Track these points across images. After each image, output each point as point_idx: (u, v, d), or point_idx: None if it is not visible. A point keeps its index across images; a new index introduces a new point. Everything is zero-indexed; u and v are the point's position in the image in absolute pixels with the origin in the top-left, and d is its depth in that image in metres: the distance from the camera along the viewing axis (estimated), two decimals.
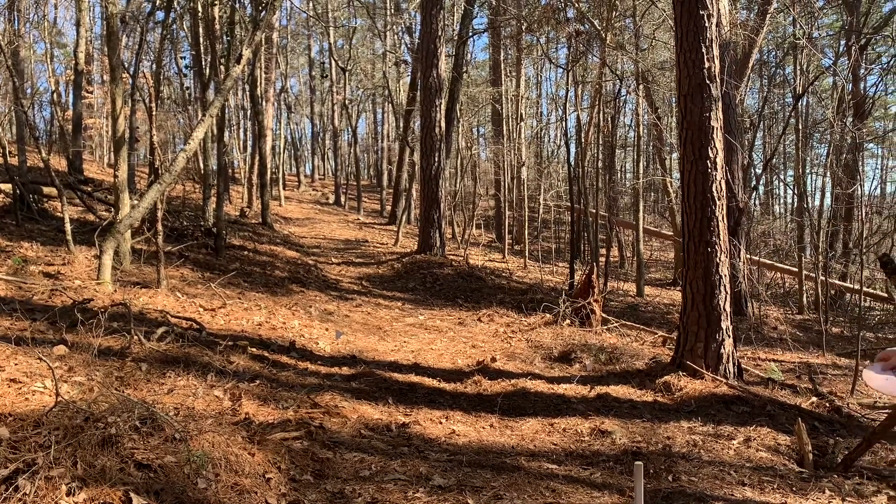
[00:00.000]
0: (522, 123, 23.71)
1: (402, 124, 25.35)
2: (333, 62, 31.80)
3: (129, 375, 5.27)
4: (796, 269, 16.40)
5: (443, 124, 16.46)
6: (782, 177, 31.10)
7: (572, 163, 16.13)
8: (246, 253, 13.55)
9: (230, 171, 30.10)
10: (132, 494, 3.26)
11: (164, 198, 9.55)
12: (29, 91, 25.81)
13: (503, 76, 24.58)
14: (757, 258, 17.42)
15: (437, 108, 16.18)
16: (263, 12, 11.83)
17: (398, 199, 25.72)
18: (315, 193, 35.33)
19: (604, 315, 10.25)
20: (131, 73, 15.99)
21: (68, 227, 9.70)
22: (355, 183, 31.85)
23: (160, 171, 9.48)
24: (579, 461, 4.91)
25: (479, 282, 14.26)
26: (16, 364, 4.97)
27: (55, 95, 22.90)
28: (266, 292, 10.46)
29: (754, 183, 16.18)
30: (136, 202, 9.57)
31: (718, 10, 11.30)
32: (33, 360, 5.03)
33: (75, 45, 17.37)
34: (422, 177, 16.41)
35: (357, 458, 4.53)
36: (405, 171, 24.92)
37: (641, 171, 18.62)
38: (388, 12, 29.17)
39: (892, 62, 17.24)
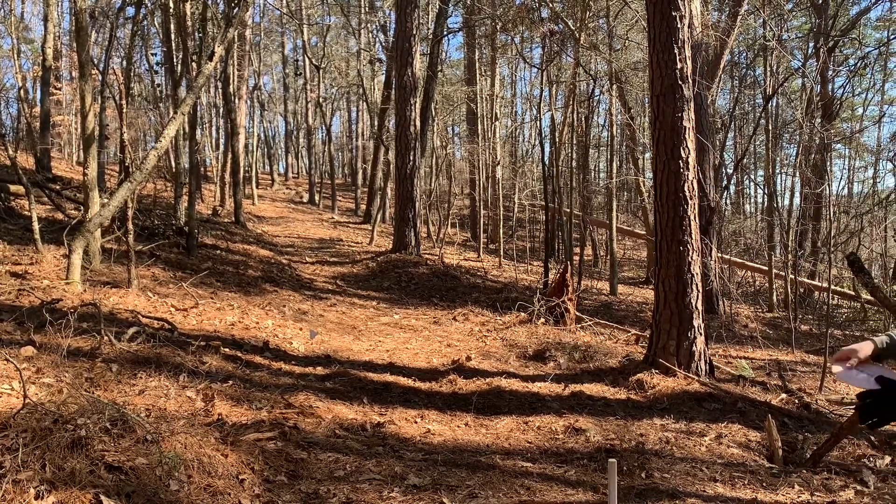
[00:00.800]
0: (497, 123, 23.73)
1: (376, 123, 25.21)
2: (307, 60, 31.63)
3: (99, 376, 5.19)
4: (766, 268, 16.66)
5: (418, 123, 16.45)
6: (753, 177, 31.55)
7: (547, 162, 16.21)
8: (218, 252, 13.41)
9: (202, 169, 29.83)
10: (102, 497, 3.21)
11: (134, 196, 9.41)
12: None
13: (478, 75, 24.63)
14: (728, 257, 17.66)
15: (412, 107, 16.19)
16: (236, 9, 11.71)
17: (373, 197, 25.62)
18: (289, 192, 35.11)
19: (578, 314, 10.32)
20: (101, 69, 15.77)
21: (36, 225, 9.52)
22: (330, 182, 31.70)
23: (131, 170, 9.36)
24: (554, 459, 4.94)
25: (454, 281, 14.27)
26: None
27: (22, 92, 22.49)
28: (239, 292, 10.33)
29: (725, 182, 16.39)
30: (106, 200, 9.43)
31: (690, 11, 11.42)
32: (0, 362, 4.93)
33: (43, 40, 17.07)
34: (397, 175, 16.39)
35: (332, 459, 4.51)
36: (380, 169, 24.75)
37: (615, 171, 18.78)
38: (363, 10, 29.10)
39: (858, 64, 17.56)
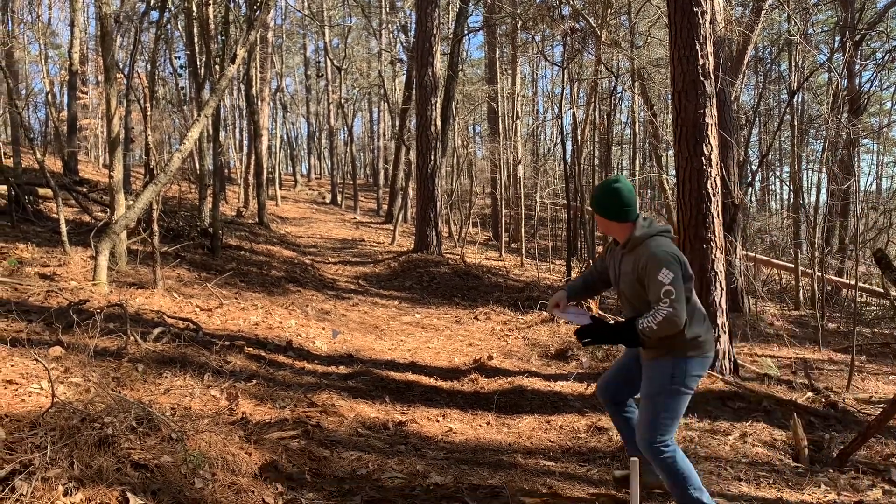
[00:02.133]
0: (518, 121, 23.57)
1: (397, 123, 25.26)
2: (329, 61, 31.80)
3: (125, 376, 5.26)
4: (793, 266, 16.44)
5: (438, 122, 16.45)
6: (778, 173, 31.15)
7: (568, 160, 16.14)
8: (242, 253, 13.50)
9: (226, 171, 30.10)
10: (129, 494, 3.26)
11: (159, 198, 9.45)
12: (24, 92, 25.76)
13: (499, 74, 24.57)
14: (753, 254, 17.46)
15: (433, 107, 16.20)
16: (258, 11, 11.80)
17: (394, 197, 25.62)
18: (311, 193, 35.33)
19: (600, 312, 10.25)
20: (126, 73, 15.95)
21: (64, 228, 9.67)
22: (351, 182, 31.90)
23: (155, 172, 9.42)
24: (576, 458, 4.92)
25: (475, 280, 14.25)
26: (12, 366, 4.95)
27: (50, 96, 22.84)
28: (263, 292, 10.33)
29: (750, 179, 16.21)
30: (131, 202, 9.51)
31: (713, 6, 11.32)
32: (29, 362, 5.02)
33: (69, 45, 17.33)
34: (418, 175, 16.41)
35: (354, 457, 4.54)
36: (401, 169, 24.61)
37: (638, 168, 18.65)
38: (384, 11, 29.16)
39: (886, 58, 17.27)
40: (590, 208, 16.44)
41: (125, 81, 15.83)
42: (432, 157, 16.01)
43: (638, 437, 3.52)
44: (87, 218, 12.67)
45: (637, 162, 19.22)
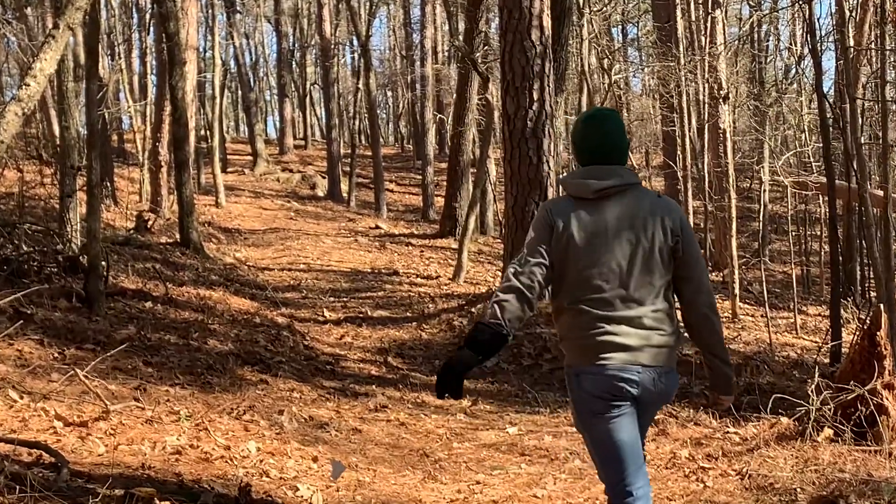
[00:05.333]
0: (719, 13, 14.52)
1: (462, 26, 16.24)
2: None
3: None
4: None
5: (548, 22, 9.97)
6: None
7: (828, 93, 10.87)
8: (149, 304, 9.54)
9: (115, 138, 20.58)
10: None
11: None
12: None
13: None
14: None
15: None
16: None
17: (458, 183, 16.96)
18: (287, 176, 24.47)
19: None
20: None
21: None
22: (370, 153, 21.21)
23: None
24: None
25: None
26: None
27: None
28: (191, 384, 7.20)
29: None
30: None
31: None
32: None
33: None
34: (507, 134, 10.15)
35: None
36: (471, 125, 16.51)
37: None
38: None
39: None
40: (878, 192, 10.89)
41: None
42: (535, 96, 9.79)
43: None
44: None
45: None
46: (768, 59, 20.43)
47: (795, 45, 18.06)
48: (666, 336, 2.87)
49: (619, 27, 23.13)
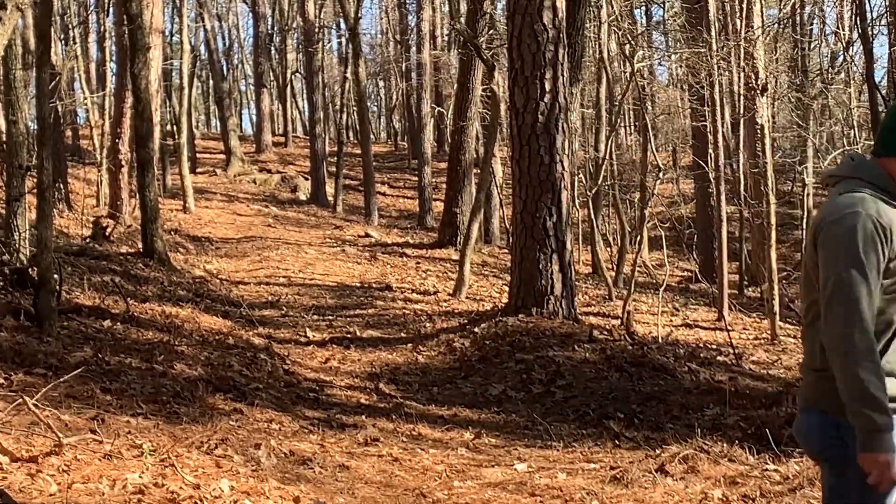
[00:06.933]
0: None
1: (463, 8, 15.44)
2: None
3: None
4: None
5: (562, 2, 9.38)
6: None
7: (880, 83, 10.65)
8: (107, 323, 9.03)
9: (68, 134, 19.74)
10: None
11: None
12: None
13: None
14: None
15: None
16: None
17: (459, 187, 16.13)
18: (264, 178, 23.67)
19: None
20: None
21: None
22: (360, 150, 20.48)
23: None
24: None
25: (658, 378, 8.79)
26: None
27: None
28: (155, 414, 6.68)
29: None
30: None
31: None
32: None
33: None
34: (515, 130, 9.62)
35: None
36: (474, 119, 15.68)
37: None
38: None
39: None
40: None
41: None
42: (547, 87, 9.24)
43: None
44: None
45: None
46: (812, 45, 19.48)
47: (843, 30, 16.98)
48: None
49: (643, 8, 22.43)
